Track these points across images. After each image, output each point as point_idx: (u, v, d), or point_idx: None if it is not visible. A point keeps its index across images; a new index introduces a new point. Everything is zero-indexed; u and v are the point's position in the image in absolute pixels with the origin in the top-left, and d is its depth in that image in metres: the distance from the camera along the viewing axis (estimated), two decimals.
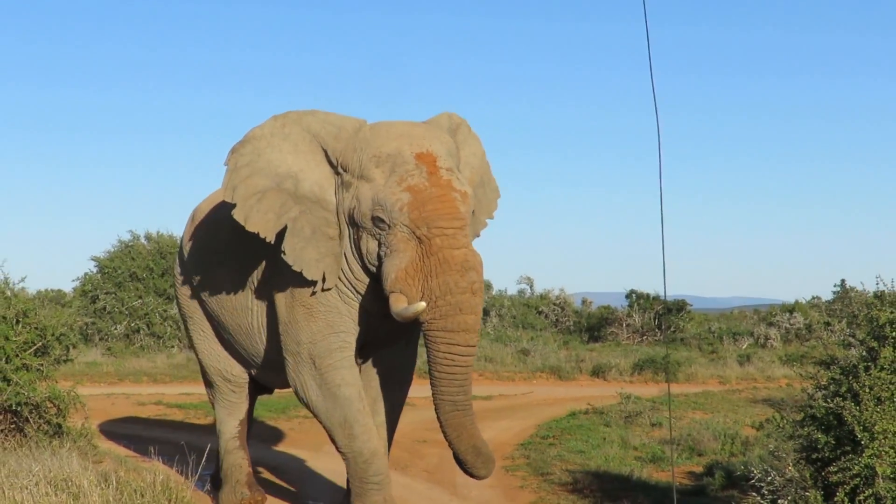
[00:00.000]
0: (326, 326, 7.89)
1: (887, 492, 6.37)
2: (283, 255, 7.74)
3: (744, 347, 27.11)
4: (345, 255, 7.84)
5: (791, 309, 30.78)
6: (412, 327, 7.80)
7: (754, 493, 7.24)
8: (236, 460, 9.30)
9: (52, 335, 9.35)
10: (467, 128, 8.51)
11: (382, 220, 7.40)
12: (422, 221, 7.37)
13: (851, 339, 7.82)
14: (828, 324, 28.51)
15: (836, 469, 6.64)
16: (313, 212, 7.81)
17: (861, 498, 6.46)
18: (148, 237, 25.95)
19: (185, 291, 9.43)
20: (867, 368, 6.80)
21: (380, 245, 7.52)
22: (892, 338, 6.88)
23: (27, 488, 6.89)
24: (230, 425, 9.45)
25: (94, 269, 26.13)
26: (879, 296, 7.84)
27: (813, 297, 34.82)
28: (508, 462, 11.37)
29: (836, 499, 6.55)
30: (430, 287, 7.30)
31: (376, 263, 7.57)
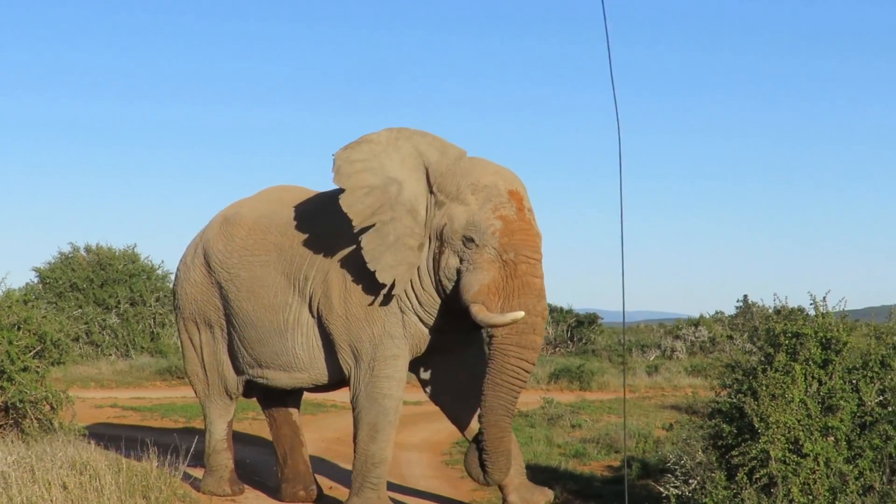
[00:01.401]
0: (384, 331, 8.95)
1: (778, 471, 7.69)
2: (360, 249, 8.79)
3: (651, 359, 28.61)
4: (418, 266, 8.94)
5: (696, 323, 32.26)
6: (461, 339, 9.20)
7: (669, 475, 8.55)
8: (223, 460, 10.31)
9: (50, 340, 10.42)
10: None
11: (472, 240, 8.57)
12: (510, 247, 8.57)
13: (752, 347, 9.20)
14: (731, 337, 29.99)
15: (737, 454, 7.93)
16: (403, 220, 8.83)
17: (757, 476, 7.76)
18: (88, 249, 26.76)
19: (201, 293, 10.18)
20: (764, 370, 8.14)
21: (461, 261, 8.65)
22: (785, 345, 8.26)
23: (52, 470, 7.98)
24: (220, 427, 10.38)
25: (36, 280, 26.87)
26: (779, 311, 9.27)
27: (717, 312, 36.24)
28: (447, 457, 12.63)
29: (737, 478, 7.84)
30: (510, 305, 8.51)
31: (453, 278, 8.70)
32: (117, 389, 19.92)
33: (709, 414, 8.62)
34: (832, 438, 7.89)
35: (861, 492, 7.57)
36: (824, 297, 8.73)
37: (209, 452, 10.43)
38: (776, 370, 8.08)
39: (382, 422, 9.06)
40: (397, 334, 9.05)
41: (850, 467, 7.75)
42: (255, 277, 9.69)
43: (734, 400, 8.19)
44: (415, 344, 9.18)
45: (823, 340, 8.25)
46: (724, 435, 8.16)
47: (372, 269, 8.77)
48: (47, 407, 10.41)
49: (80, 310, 24.76)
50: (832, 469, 7.73)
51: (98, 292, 25.78)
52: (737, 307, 35.29)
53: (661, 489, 8.44)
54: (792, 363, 8.10)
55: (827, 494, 7.61)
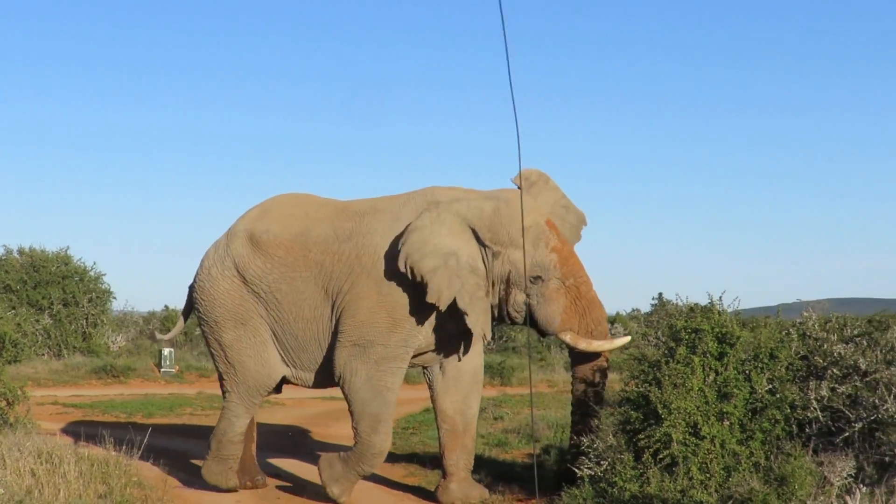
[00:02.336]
0: (402, 340, 10.18)
1: (680, 452, 8.65)
2: (466, 317, 10.17)
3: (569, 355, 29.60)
4: None
5: (612, 320, 33.34)
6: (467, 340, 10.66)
7: (583, 458, 9.47)
8: (236, 451, 11.00)
9: (9, 340, 11.09)
10: (544, 180, 10.98)
11: (540, 277, 9.99)
12: (569, 273, 10.13)
13: (657, 341, 10.18)
14: (646, 334, 31.10)
15: (643, 437, 8.89)
16: (469, 281, 10.08)
17: (661, 457, 8.72)
18: (21, 251, 27.24)
19: (233, 298, 10.89)
20: (667, 362, 9.11)
21: (528, 296, 10.06)
22: (685, 340, 9.25)
23: (21, 459, 8.70)
24: (242, 422, 11.07)
25: None
26: (693, 307, 10.28)
27: (633, 310, 37.30)
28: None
29: (643, 459, 8.79)
30: (586, 322, 10.18)
31: (522, 310, 10.14)
32: (55, 388, 20.45)
33: (618, 402, 9.57)
34: (727, 423, 8.85)
35: (752, 469, 8.52)
36: (720, 297, 9.81)
37: (222, 440, 11.00)
38: (678, 362, 9.06)
39: (385, 413, 10.26)
40: (412, 344, 10.36)
41: (743, 448, 8.73)
42: (296, 292, 10.64)
43: (641, 389, 9.15)
44: (428, 343, 10.58)
45: (719, 335, 9.25)
46: (631, 420, 9.12)
47: (474, 332, 10.30)
48: (3, 402, 11.04)
49: (13, 310, 25.20)
50: (727, 450, 8.71)
51: (31, 293, 26.20)
52: (652, 305, 36.37)
53: (577, 470, 9.35)
54: (691, 356, 9.09)
55: (722, 472, 8.58)
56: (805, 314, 10.09)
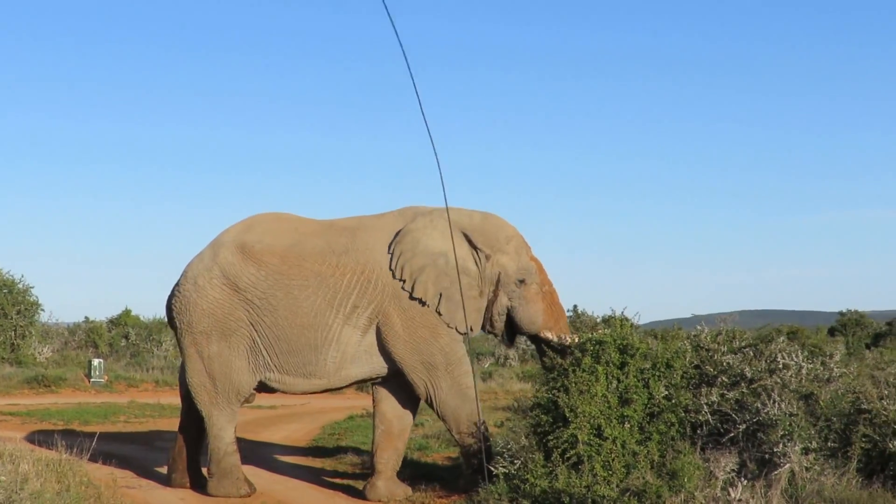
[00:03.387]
0: (451, 339, 11.09)
1: (585, 451, 9.60)
2: (440, 315, 11.09)
3: (486, 366, 30.65)
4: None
5: None
6: None
7: (499, 457, 10.40)
8: (236, 461, 11.51)
9: None
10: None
11: (524, 281, 11.11)
12: (544, 281, 11.28)
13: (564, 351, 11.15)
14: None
15: (552, 438, 9.84)
16: (462, 280, 10.89)
17: (568, 456, 9.66)
18: None
19: (222, 308, 11.35)
20: (574, 371, 10.10)
21: (510, 299, 11.19)
22: (590, 350, 10.24)
23: None
24: (230, 432, 11.55)
25: None
26: (606, 320, 11.30)
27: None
28: (306, 448, 14.32)
29: (552, 458, 9.73)
30: (559, 324, 11.48)
31: (504, 313, 11.29)
32: None
33: (530, 407, 10.53)
34: (627, 425, 9.83)
35: (650, 466, 9.52)
36: (623, 311, 10.88)
37: (220, 458, 11.46)
38: (583, 370, 10.04)
39: (475, 410, 11.13)
40: (458, 338, 11.29)
41: (641, 448, 9.70)
42: (293, 299, 11.22)
43: (550, 395, 10.11)
44: None
45: (621, 346, 10.26)
46: (542, 423, 10.06)
47: (452, 327, 11.18)
48: None
49: None
50: (627, 449, 9.67)
51: None
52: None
53: (493, 469, 10.26)
54: (596, 365, 10.07)
55: (622, 469, 9.53)
56: (698, 328, 11.17)
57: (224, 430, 11.52)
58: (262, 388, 11.79)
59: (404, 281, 11.11)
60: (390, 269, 11.16)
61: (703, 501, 8.68)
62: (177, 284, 11.80)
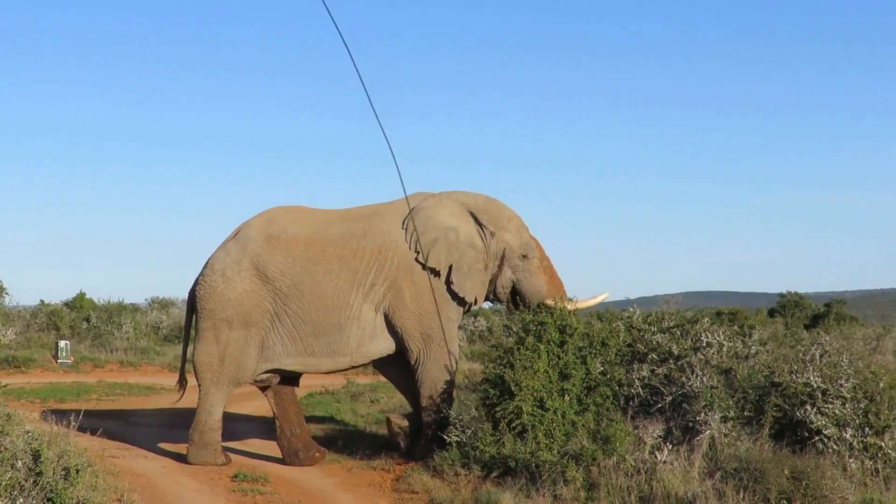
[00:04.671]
0: (448, 318, 12.17)
1: (529, 422, 10.67)
2: (450, 285, 12.24)
3: None
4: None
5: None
6: None
7: (452, 427, 11.44)
8: (217, 437, 12.38)
9: None
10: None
11: (526, 256, 12.20)
12: (543, 256, 12.38)
13: (510, 331, 12.24)
14: (507, 327, 33.14)
15: (500, 409, 10.90)
16: (468, 254, 12.17)
17: (514, 426, 10.73)
18: None
19: (250, 299, 12.19)
20: (518, 349, 11.18)
21: (514, 272, 12.33)
22: (533, 330, 11.33)
23: None
24: (220, 410, 12.44)
25: None
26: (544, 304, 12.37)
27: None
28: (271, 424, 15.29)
29: (500, 427, 10.81)
30: (560, 294, 12.33)
31: (508, 287, 12.45)
32: None
33: (479, 382, 11.60)
34: (567, 398, 10.95)
35: (587, 436, 10.60)
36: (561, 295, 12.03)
37: (204, 430, 12.32)
38: (527, 349, 11.14)
39: (448, 387, 12.19)
40: (455, 318, 12.38)
41: (580, 418, 10.81)
42: (318, 284, 12.14)
43: (497, 371, 11.18)
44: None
45: (561, 327, 11.36)
46: (490, 396, 11.14)
47: (461, 295, 12.31)
48: None
49: None
50: (567, 419, 10.78)
51: None
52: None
53: (446, 437, 11.31)
54: (538, 343, 11.17)
55: (563, 437, 10.61)
56: (630, 309, 12.32)
57: (216, 408, 12.39)
58: (280, 373, 12.63)
59: (418, 252, 12.17)
60: (406, 242, 12.23)
61: (633, 464, 9.81)
62: (202, 276, 12.54)
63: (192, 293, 12.69)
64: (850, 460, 9.81)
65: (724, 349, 11.37)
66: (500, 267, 12.55)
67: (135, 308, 34.18)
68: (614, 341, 11.55)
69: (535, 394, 10.84)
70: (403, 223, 12.35)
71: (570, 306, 12.21)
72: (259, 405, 17.73)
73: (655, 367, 11.34)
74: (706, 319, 12.06)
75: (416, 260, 12.21)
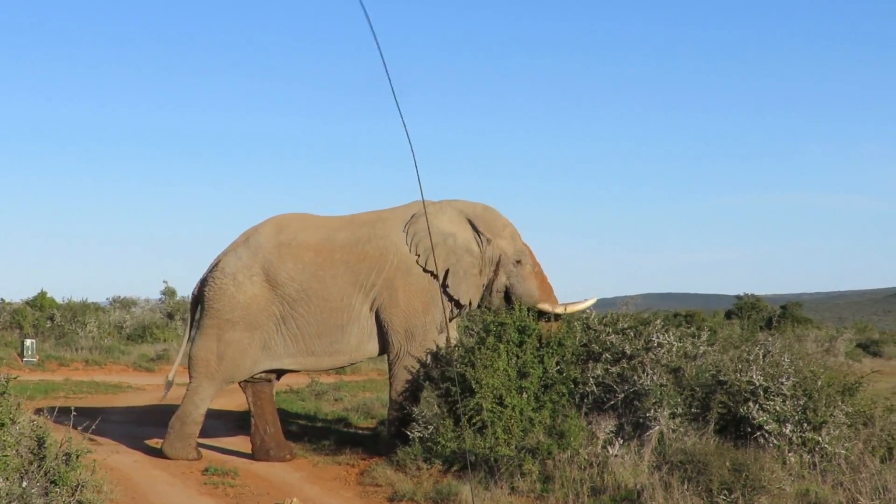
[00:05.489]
0: (433, 320, 12.68)
1: (488, 418, 11.20)
2: (446, 288, 12.76)
3: None
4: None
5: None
6: None
7: (414, 423, 11.95)
8: (196, 431, 12.85)
9: None
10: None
11: (520, 261, 12.69)
12: (535, 263, 12.83)
13: (471, 332, 12.76)
14: (468, 327, 33.72)
15: (461, 406, 11.39)
16: (464, 259, 12.70)
17: (474, 422, 11.23)
18: None
19: (258, 303, 12.75)
20: (479, 348, 11.71)
21: (508, 277, 12.77)
22: (493, 331, 11.86)
23: None
24: (205, 406, 12.94)
25: None
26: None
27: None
28: (243, 422, 15.76)
29: (461, 423, 11.31)
30: (550, 297, 12.84)
31: (502, 291, 12.86)
32: None
33: (441, 379, 12.11)
34: (525, 395, 11.48)
35: (544, 431, 11.13)
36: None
37: (186, 421, 12.79)
38: (487, 348, 11.66)
39: (416, 386, 12.66)
40: (438, 321, 12.79)
41: (537, 414, 11.34)
42: (325, 288, 12.75)
43: (459, 369, 11.70)
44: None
45: (520, 327, 11.90)
46: (451, 393, 11.62)
47: (456, 298, 12.84)
48: None
49: None
50: (524, 415, 11.32)
51: None
52: None
53: (409, 433, 11.81)
54: (498, 343, 11.70)
55: (521, 433, 11.13)
56: (587, 312, 12.90)
57: (203, 403, 12.90)
58: (278, 372, 13.33)
59: (419, 256, 12.76)
60: (406, 245, 12.82)
61: (586, 457, 10.37)
62: (212, 277, 13.07)
63: (199, 293, 13.19)
64: (790, 454, 10.41)
65: (675, 349, 11.96)
66: (495, 272, 13.13)
67: (96, 307, 34.48)
68: (570, 341, 12.11)
69: (494, 391, 11.35)
70: (405, 228, 12.98)
71: (559, 310, 12.84)
72: (225, 402, 18.19)
73: (609, 367, 11.90)
74: (658, 321, 12.63)
75: (417, 262, 12.83)
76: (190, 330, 13.55)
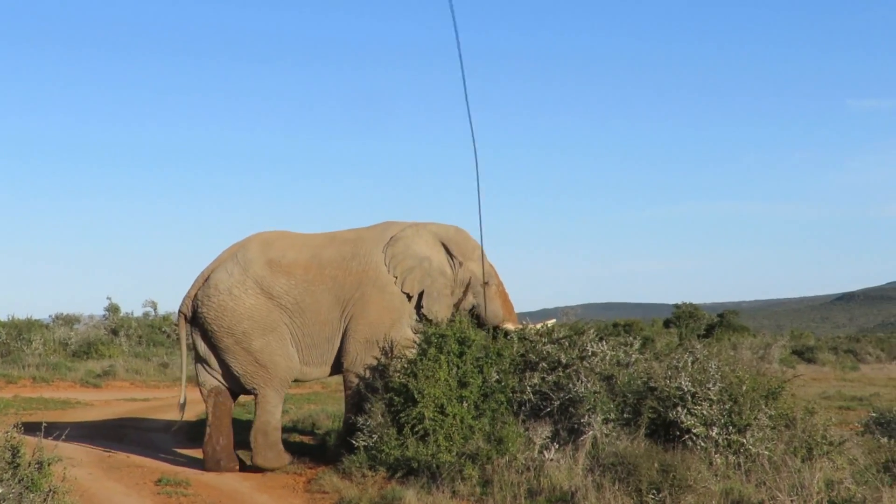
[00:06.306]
0: (400, 335, 13.18)
1: (430, 426, 11.66)
2: (420, 308, 13.42)
3: None
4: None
5: None
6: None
7: (359, 433, 12.39)
8: (280, 435, 13.52)
9: None
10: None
11: (487, 282, 13.26)
12: (499, 284, 13.46)
13: (414, 343, 13.25)
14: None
15: (404, 415, 11.86)
16: (439, 281, 13.32)
17: (417, 430, 11.69)
18: None
19: (260, 312, 13.31)
20: (421, 359, 12.18)
21: (475, 297, 13.42)
22: (435, 343, 12.35)
23: None
24: (280, 410, 13.67)
25: None
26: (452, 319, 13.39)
27: None
28: (192, 434, 16.11)
29: (404, 432, 11.77)
30: (512, 316, 13.45)
31: (469, 309, 13.44)
32: None
33: (384, 389, 12.57)
34: (465, 404, 11.96)
35: (483, 437, 11.63)
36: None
37: (268, 430, 13.35)
38: (429, 359, 12.14)
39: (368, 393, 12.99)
40: (408, 336, 13.30)
41: (477, 422, 11.83)
42: (316, 302, 13.37)
43: (402, 380, 12.17)
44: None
45: (460, 339, 12.40)
46: (395, 403, 12.10)
47: (430, 318, 13.39)
48: None
49: None
50: (465, 424, 11.80)
51: None
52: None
53: (354, 442, 12.26)
54: (439, 354, 12.18)
55: (461, 440, 11.63)
56: (524, 322, 13.46)
57: (276, 408, 13.56)
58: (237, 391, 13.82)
59: (396, 277, 13.38)
60: (385, 265, 13.44)
61: (524, 462, 10.92)
62: (206, 296, 13.50)
63: (196, 312, 13.58)
64: (716, 455, 11.01)
65: (608, 358, 12.54)
66: (464, 293, 13.82)
67: (40, 325, 34.52)
68: (509, 351, 12.64)
69: (436, 401, 11.82)
70: (384, 249, 13.62)
71: (521, 328, 13.56)
72: (175, 415, 18.49)
73: (545, 375, 12.45)
74: (592, 331, 13.21)
75: (395, 284, 13.45)
76: (185, 350, 14.02)
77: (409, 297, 13.51)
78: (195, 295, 13.67)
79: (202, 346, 13.62)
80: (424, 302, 13.52)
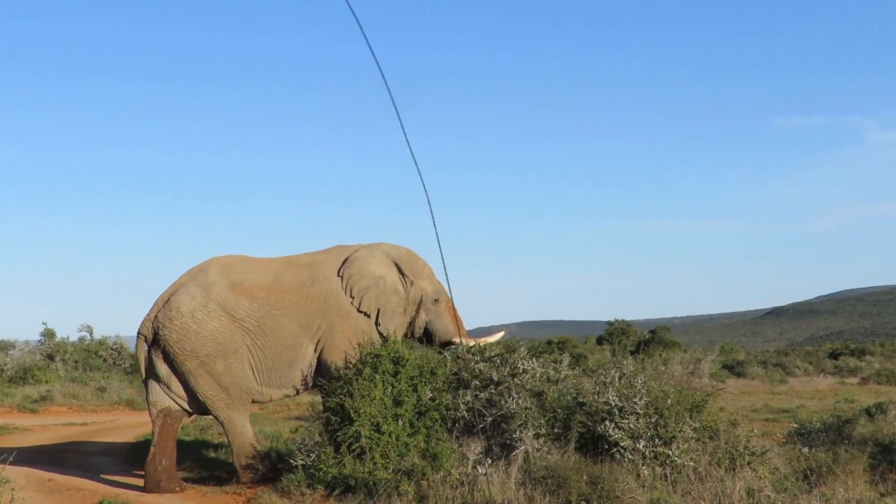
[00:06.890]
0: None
1: (367, 444, 11.90)
2: (377, 326, 13.87)
3: None
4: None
5: None
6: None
7: (297, 451, 12.64)
8: (257, 451, 13.79)
9: None
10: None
11: (438, 300, 13.78)
12: (448, 301, 13.79)
13: (349, 364, 13.54)
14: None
15: (341, 434, 12.11)
16: (392, 299, 13.75)
17: (354, 448, 11.94)
18: None
19: (223, 334, 13.52)
20: (357, 379, 12.46)
21: (427, 314, 13.90)
22: (370, 362, 12.63)
23: None
24: (249, 428, 13.88)
25: None
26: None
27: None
28: (132, 457, 16.25)
29: (341, 450, 12.01)
30: (463, 331, 13.81)
31: (423, 327, 14.02)
32: None
33: (322, 410, 12.84)
34: (401, 422, 12.23)
35: (418, 454, 11.93)
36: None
37: (246, 451, 13.66)
38: (364, 379, 12.42)
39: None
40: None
41: (412, 439, 12.11)
42: (278, 325, 13.66)
43: (338, 399, 12.45)
44: None
45: (395, 358, 12.70)
46: (332, 422, 12.36)
47: (385, 335, 13.80)
48: None
49: None
50: (401, 441, 12.07)
51: None
52: None
53: (293, 461, 12.49)
54: (374, 374, 12.46)
55: (397, 457, 11.88)
56: (456, 340, 13.82)
57: (245, 427, 13.85)
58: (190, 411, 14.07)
59: (353, 297, 13.82)
60: (342, 289, 13.88)
61: (458, 477, 11.24)
62: (168, 320, 13.62)
63: (155, 335, 13.71)
64: (643, 467, 11.40)
65: (538, 374, 12.92)
66: (417, 310, 14.32)
67: None
68: (442, 370, 12.96)
69: (372, 419, 12.09)
70: (340, 272, 14.06)
71: (472, 343, 14.02)
72: (115, 437, 18.63)
73: (478, 392, 12.77)
74: (523, 349, 13.60)
75: (352, 304, 13.89)
76: (145, 372, 13.98)
77: (367, 316, 13.95)
78: (155, 317, 13.83)
79: (163, 369, 13.72)
80: (381, 319, 14.00)
